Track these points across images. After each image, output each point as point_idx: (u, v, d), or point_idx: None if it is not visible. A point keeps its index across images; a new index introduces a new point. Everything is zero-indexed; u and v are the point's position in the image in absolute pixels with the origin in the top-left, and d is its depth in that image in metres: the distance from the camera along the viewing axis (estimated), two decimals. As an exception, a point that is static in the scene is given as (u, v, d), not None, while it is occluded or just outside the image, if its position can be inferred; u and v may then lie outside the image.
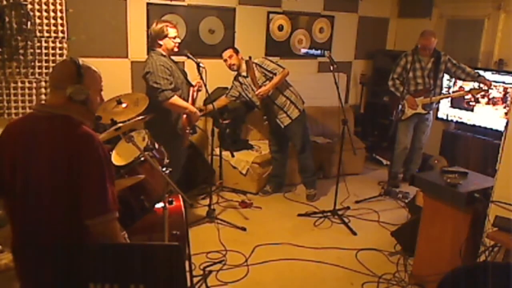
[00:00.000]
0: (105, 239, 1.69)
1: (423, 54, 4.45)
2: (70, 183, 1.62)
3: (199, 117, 3.72)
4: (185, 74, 3.67)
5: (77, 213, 1.65)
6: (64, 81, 1.71)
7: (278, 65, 4.16)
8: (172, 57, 3.54)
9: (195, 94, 3.69)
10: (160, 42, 3.45)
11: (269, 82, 4.09)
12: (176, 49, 3.52)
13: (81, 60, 1.77)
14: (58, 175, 1.63)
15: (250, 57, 4.07)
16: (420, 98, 4.51)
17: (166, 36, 3.44)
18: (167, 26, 3.45)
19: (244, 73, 4.18)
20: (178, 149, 3.64)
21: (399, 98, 4.51)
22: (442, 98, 4.64)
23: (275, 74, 4.10)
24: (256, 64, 4.10)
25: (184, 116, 3.58)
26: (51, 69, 3.48)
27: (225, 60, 4.12)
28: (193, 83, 3.70)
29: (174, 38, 3.48)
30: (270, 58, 4.33)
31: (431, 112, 4.67)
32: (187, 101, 3.59)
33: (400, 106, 4.50)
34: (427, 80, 4.50)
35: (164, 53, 3.46)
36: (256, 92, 4.07)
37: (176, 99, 3.41)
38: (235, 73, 4.27)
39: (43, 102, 3.53)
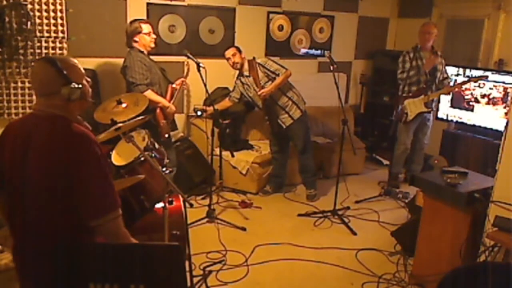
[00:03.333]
0: (111, 238, 1.69)
1: (424, 49, 4.45)
2: (67, 184, 1.61)
3: (175, 111, 3.83)
4: (163, 72, 3.82)
5: (75, 214, 1.63)
6: (52, 86, 1.66)
7: (281, 65, 4.15)
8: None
9: (175, 92, 3.82)
10: (136, 39, 3.61)
11: (272, 83, 4.09)
12: (152, 45, 3.70)
13: (54, 57, 1.75)
14: (53, 176, 1.61)
15: (254, 58, 4.07)
16: (421, 97, 4.51)
17: (140, 32, 3.60)
18: (140, 23, 3.63)
19: (246, 73, 4.17)
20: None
21: (399, 97, 4.50)
22: (440, 94, 4.61)
23: (277, 75, 4.10)
24: (259, 64, 4.10)
25: (158, 110, 3.68)
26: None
27: (228, 59, 4.12)
28: (172, 80, 3.84)
29: (149, 34, 3.64)
30: (273, 58, 4.33)
31: (431, 112, 4.67)
32: (165, 96, 3.73)
33: (400, 107, 4.48)
34: (429, 78, 4.50)
35: (141, 49, 3.63)
36: (259, 93, 4.07)
37: (149, 93, 3.54)
38: (236, 72, 4.27)
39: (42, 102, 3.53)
